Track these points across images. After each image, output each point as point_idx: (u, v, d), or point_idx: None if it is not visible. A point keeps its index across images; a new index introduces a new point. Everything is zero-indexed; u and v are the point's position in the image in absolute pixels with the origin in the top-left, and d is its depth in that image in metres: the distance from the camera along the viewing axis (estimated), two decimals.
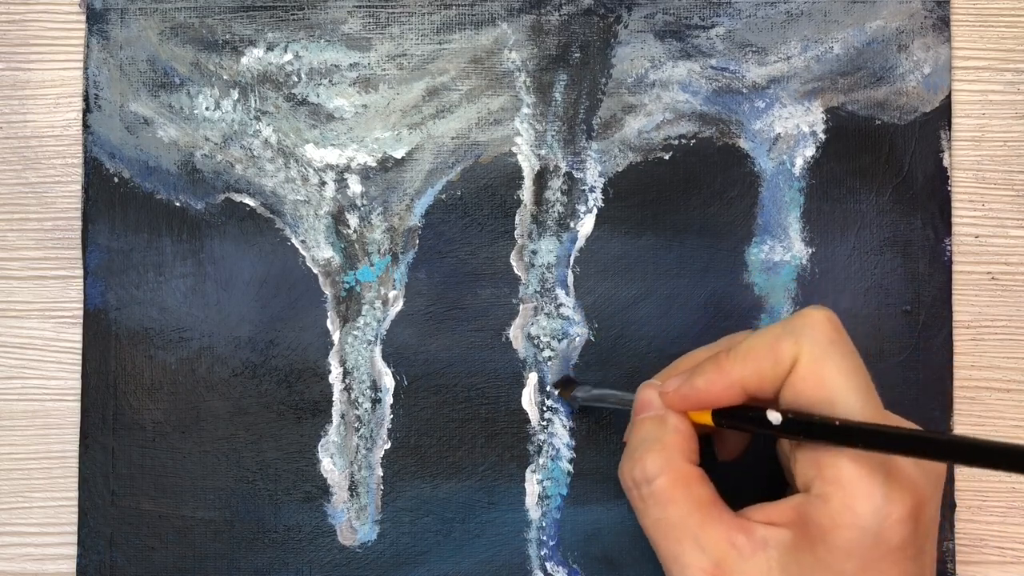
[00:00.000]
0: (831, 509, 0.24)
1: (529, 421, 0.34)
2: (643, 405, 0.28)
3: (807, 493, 0.25)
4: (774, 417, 0.25)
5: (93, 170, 0.34)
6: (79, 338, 0.34)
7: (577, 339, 0.34)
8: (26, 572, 0.34)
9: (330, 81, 0.34)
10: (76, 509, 0.34)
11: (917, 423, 0.34)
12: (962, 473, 0.34)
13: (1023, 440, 0.34)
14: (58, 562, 0.34)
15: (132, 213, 0.34)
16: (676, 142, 0.34)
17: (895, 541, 0.24)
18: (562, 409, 0.34)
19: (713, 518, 0.26)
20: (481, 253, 0.34)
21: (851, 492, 0.24)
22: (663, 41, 0.35)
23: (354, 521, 0.34)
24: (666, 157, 0.34)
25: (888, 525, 0.23)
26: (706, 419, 0.27)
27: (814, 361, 0.25)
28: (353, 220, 0.34)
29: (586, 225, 0.34)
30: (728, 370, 0.26)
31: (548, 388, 0.34)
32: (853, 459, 0.24)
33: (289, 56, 0.34)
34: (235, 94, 0.34)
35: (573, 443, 0.34)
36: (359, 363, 0.34)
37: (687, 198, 0.34)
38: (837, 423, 0.24)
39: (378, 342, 0.34)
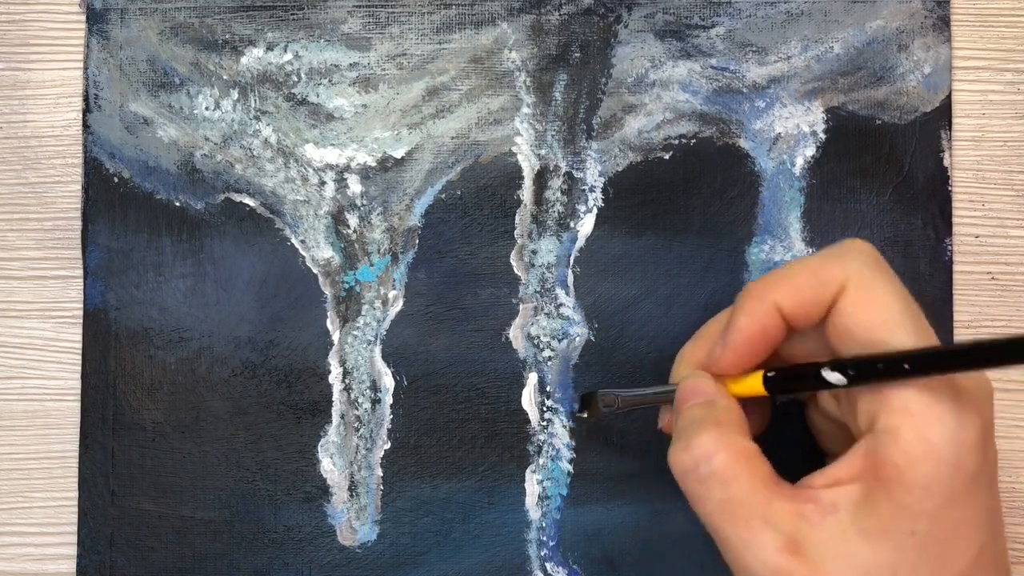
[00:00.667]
0: (903, 443, 0.22)
1: (529, 421, 0.34)
2: (690, 392, 0.27)
3: (872, 434, 0.23)
4: (832, 376, 0.23)
5: (93, 170, 0.34)
6: (79, 338, 0.34)
7: (577, 339, 0.34)
8: (26, 572, 0.34)
9: (330, 81, 0.34)
10: (76, 509, 0.34)
11: None
12: None
13: (1022, 440, 0.34)
14: (58, 562, 0.34)
15: (132, 213, 0.34)
16: (676, 142, 0.34)
17: (971, 469, 0.22)
18: (562, 409, 0.34)
19: (778, 493, 0.24)
20: (481, 253, 0.34)
21: (923, 420, 0.22)
22: (663, 41, 0.35)
23: (354, 521, 0.34)
24: (666, 157, 0.34)
25: (964, 452, 0.22)
26: (757, 387, 0.26)
27: (865, 285, 0.23)
28: (353, 220, 0.34)
29: (586, 225, 0.34)
30: (764, 294, 0.24)
31: (573, 414, 0.33)
32: (918, 389, 0.22)
33: (289, 56, 0.34)
34: (235, 94, 0.34)
35: (573, 443, 0.34)
36: (359, 363, 0.34)
37: (687, 198, 0.34)
38: (905, 363, 0.22)
39: (378, 342, 0.34)
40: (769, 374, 0.26)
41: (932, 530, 0.22)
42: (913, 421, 0.22)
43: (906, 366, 0.22)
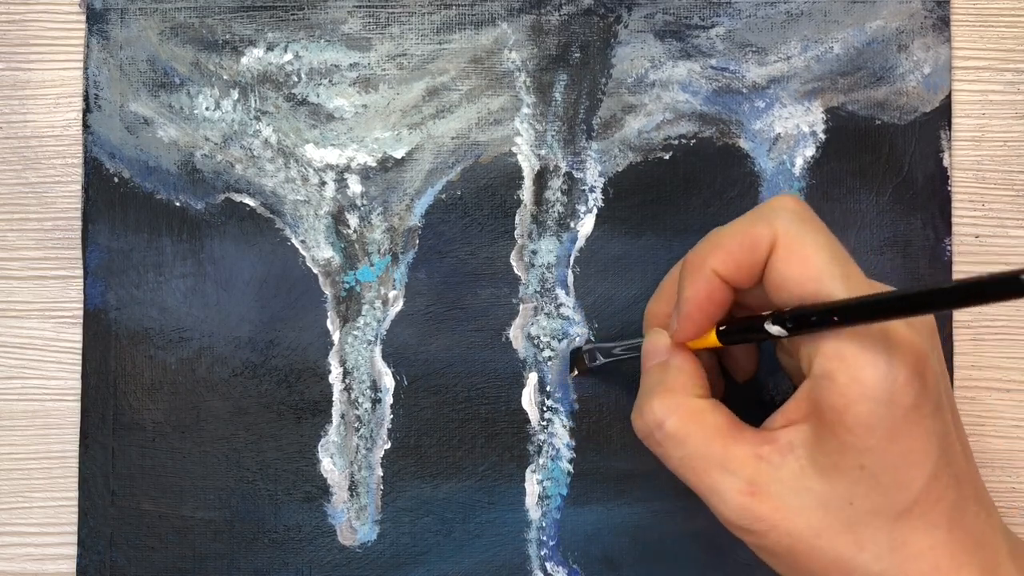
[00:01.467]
0: (839, 387, 0.23)
1: (529, 421, 0.34)
2: (649, 353, 0.29)
3: (812, 379, 0.24)
4: (775, 330, 0.25)
5: (93, 170, 0.34)
6: (79, 338, 0.34)
7: (577, 339, 0.34)
8: (26, 572, 0.34)
9: (330, 81, 0.34)
10: (76, 509, 0.34)
11: None
12: None
13: (1022, 440, 0.34)
14: (58, 562, 0.34)
15: (132, 213, 0.34)
16: (676, 142, 0.34)
17: (908, 401, 0.23)
18: (562, 409, 0.34)
19: (734, 439, 0.26)
20: (481, 253, 0.34)
21: (854, 364, 0.23)
22: (663, 41, 0.35)
23: (354, 521, 0.34)
24: (666, 157, 0.34)
25: (897, 388, 0.23)
26: (713, 340, 0.27)
27: (792, 241, 0.25)
28: (353, 220, 0.34)
29: (586, 225, 0.34)
30: (702, 264, 0.26)
31: (569, 374, 0.34)
32: (849, 335, 0.24)
33: (289, 56, 0.34)
34: (235, 94, 0.34)
35: (573, 443, 0.34)
36: (359, 363, 0.34)
37: (687, 198, 0.34)
38: (834, 315, 0.23)
39: (378, 342, 0.34)
40: (721, 328, 0.27)
41: (880, 462, 0.24)
42: (846, 366, 0.24)
43: (835, 318, 0.23)
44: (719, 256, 0.26)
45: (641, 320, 0.34)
